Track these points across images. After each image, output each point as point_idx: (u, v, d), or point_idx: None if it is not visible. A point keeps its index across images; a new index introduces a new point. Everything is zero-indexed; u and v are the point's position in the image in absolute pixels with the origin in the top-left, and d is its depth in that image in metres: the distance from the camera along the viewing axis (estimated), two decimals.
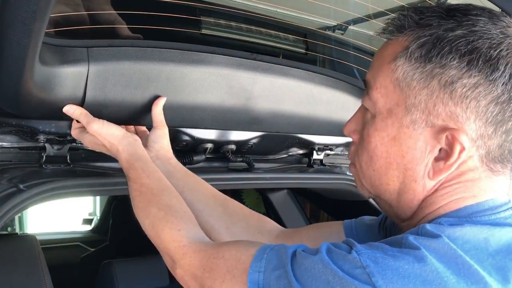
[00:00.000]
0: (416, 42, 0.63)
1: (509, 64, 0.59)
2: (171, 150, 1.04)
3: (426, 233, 0.60)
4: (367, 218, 0.89)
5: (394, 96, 0.65)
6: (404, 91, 0.64)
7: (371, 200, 1.75)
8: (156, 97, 1.03)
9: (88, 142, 1.00)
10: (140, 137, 1.06)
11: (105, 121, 0.96)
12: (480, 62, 0.59)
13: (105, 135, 0.95)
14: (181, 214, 0.82)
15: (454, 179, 0.64)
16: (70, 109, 0.94)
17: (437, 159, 0.63)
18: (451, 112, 0.61)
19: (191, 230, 0.79)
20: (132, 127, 1.11)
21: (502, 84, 0.59)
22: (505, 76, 0.59)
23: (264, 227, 0.97)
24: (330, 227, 0.92)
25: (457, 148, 0.61)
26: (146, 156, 0.95)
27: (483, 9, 0.63)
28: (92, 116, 0.96)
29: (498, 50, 0.59)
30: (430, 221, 0.64)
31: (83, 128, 0.99)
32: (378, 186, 0.69)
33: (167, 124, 1.05)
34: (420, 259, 0.56)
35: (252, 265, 0.63)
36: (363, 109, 0.72)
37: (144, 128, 1.11)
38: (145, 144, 1.02)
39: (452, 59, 0.60)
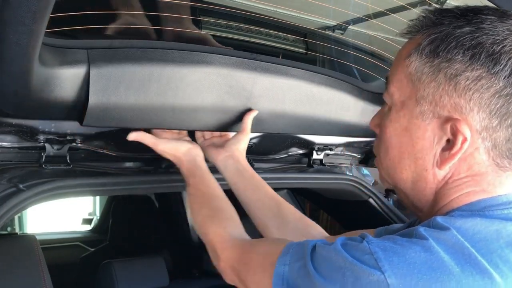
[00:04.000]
0: (427, 39, 0.66)
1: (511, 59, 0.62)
2: (244, 154, 1.13)
3: (436, 225, 0.62)
4: (396, 226, 0.92)
5: (407, 89, 0.69)
6: (415, 85, 0.68)
7: (370, 200, 1.75)
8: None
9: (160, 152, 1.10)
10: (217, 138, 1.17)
11: (169, 140, 1.08)
12: (482, 56, 0.62)
13: (171, 150, 1.07)
14: (227, 216, 0.95)
15: (463, 172, 0.67)
16: (138, 136, 1.04)
17: (444, 149, 0.66)
18: (456, 104, 0.64)
19: (235, 229, 0.91)
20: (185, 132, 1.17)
21: (504, 78, 0.62)
22: (507, 70, 0.62)
23: (309, 232, 1.04)
24: None
25: (460, 138, 0.64)
26: (205, 168, 1.07)
27: (496, 9, 0.66)
28: (155, 138, 1.06)
29: (501, 46, 0.62)
30: (444, 214, 0.67)
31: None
32: (393, 175, 0.73)
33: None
34: (427, 248, 0.58)
35: (279, 260, 0.68)
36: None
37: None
38: (223, 145, 1.12)
39: (457, 54, 0.63)
